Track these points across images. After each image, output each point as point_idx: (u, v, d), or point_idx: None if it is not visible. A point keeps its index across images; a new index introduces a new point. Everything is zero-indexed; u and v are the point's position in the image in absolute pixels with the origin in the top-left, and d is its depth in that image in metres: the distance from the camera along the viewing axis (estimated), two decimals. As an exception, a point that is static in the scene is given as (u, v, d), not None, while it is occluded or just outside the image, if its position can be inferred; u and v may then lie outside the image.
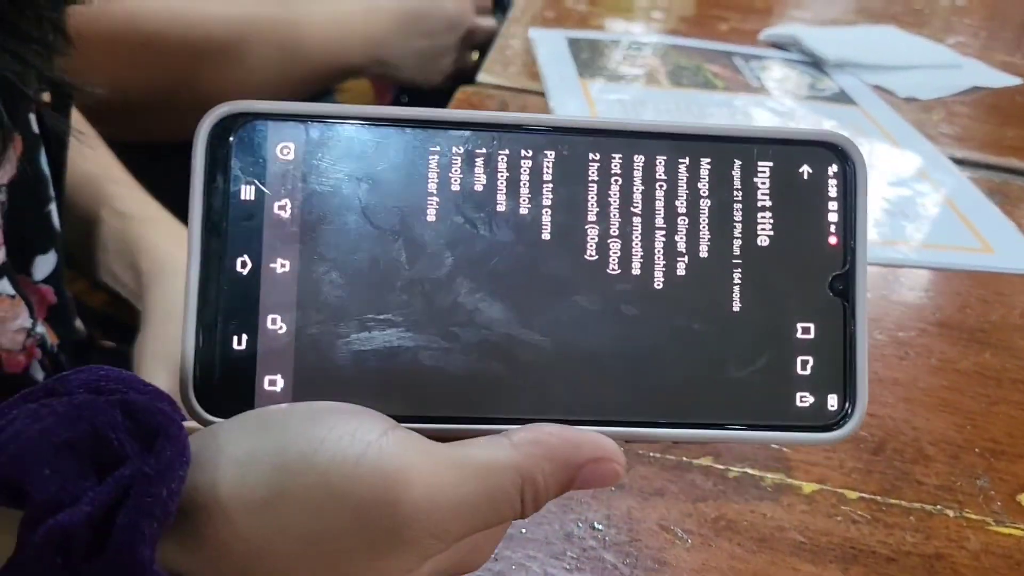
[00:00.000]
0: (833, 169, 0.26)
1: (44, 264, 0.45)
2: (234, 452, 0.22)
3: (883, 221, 0.60)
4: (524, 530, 0.35)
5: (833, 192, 0.26)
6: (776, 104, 0.76)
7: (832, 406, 0.26)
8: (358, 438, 0.22)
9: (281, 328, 0.25)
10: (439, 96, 0.75)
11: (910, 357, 0.47)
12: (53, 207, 0.45)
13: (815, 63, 0.86)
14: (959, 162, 0.70)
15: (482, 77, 0.75)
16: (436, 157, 0.26)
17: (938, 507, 0.38)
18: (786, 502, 0.38)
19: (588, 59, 0.80)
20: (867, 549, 0.36)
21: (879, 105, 0.78)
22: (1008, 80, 0.89)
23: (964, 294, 0.54)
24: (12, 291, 0.40)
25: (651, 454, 0.39)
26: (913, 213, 0.61)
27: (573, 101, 0.71)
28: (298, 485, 0.21)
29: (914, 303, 0.52)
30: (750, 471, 0.39)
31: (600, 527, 0.36)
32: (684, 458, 0.39)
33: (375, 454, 0.22)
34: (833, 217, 0.26)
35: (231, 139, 0.25)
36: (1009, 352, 0.49)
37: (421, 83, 0.79)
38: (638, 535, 0.35)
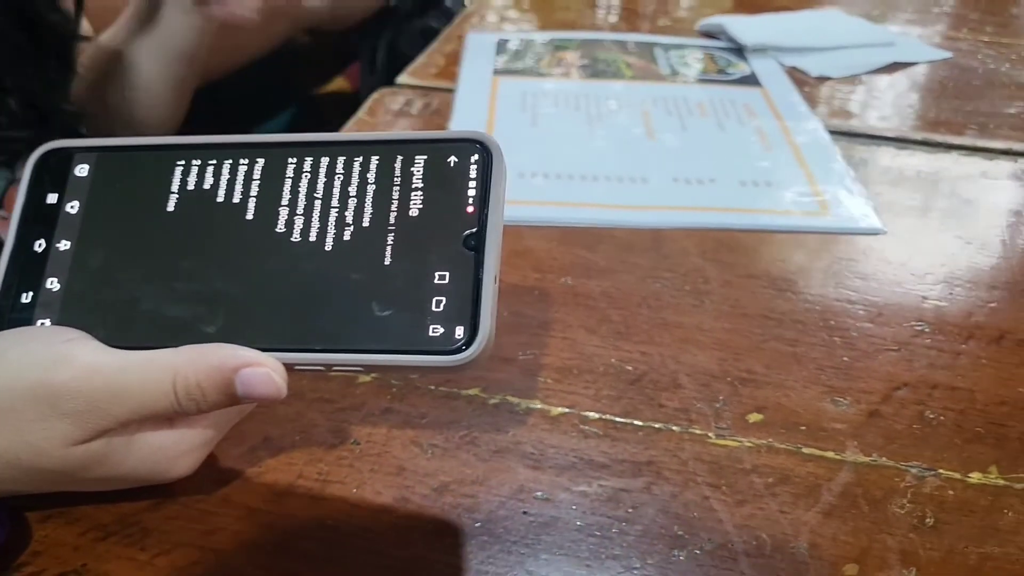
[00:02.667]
0: (474, 158, 0.34)
1: None
2: None
3: (740, 191, 0.64)
4: (294, 442, 0.42)
5: (473, 174, 0.34)
6: (673, 88, 0.80)
7: (459, 336, 0.32)
8: (44, 337, 0.31)
9: (56, 287, 0.35)
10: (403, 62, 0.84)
11: (704, 305, 0.52)
12: None
13: (738, 49, 0.91)
14: (842, 134, 0.74)
15: (402, 78, 0.82)
16: (180, 167, 0.36)
17: (667, 425, 0.43)
18: (531, 423, 0.44)
19: (511, 58, 0.87)
20: (586, 458, 0.41)
21: (783, 85, 0.82)
22: (936, 55, 0.91)
23: (783, 251, 0.58)
24: None
25: (429, 387, 0.46)
26: (768, 182, 0.65)
27: (478, 97, 0.78)
28: None
29: (726, 260, 0.57)
30: (510, 398, 0.45)
31: (359, 442, 0.42)
32: (454, 389, 0.45)
33: (56, 347, 0.30)
34: (471, 192, 0.34)
35: (47, 164, 0.36)
36: (800, 297, 0.53)
37: None
38: (389, 449, 0.42)
